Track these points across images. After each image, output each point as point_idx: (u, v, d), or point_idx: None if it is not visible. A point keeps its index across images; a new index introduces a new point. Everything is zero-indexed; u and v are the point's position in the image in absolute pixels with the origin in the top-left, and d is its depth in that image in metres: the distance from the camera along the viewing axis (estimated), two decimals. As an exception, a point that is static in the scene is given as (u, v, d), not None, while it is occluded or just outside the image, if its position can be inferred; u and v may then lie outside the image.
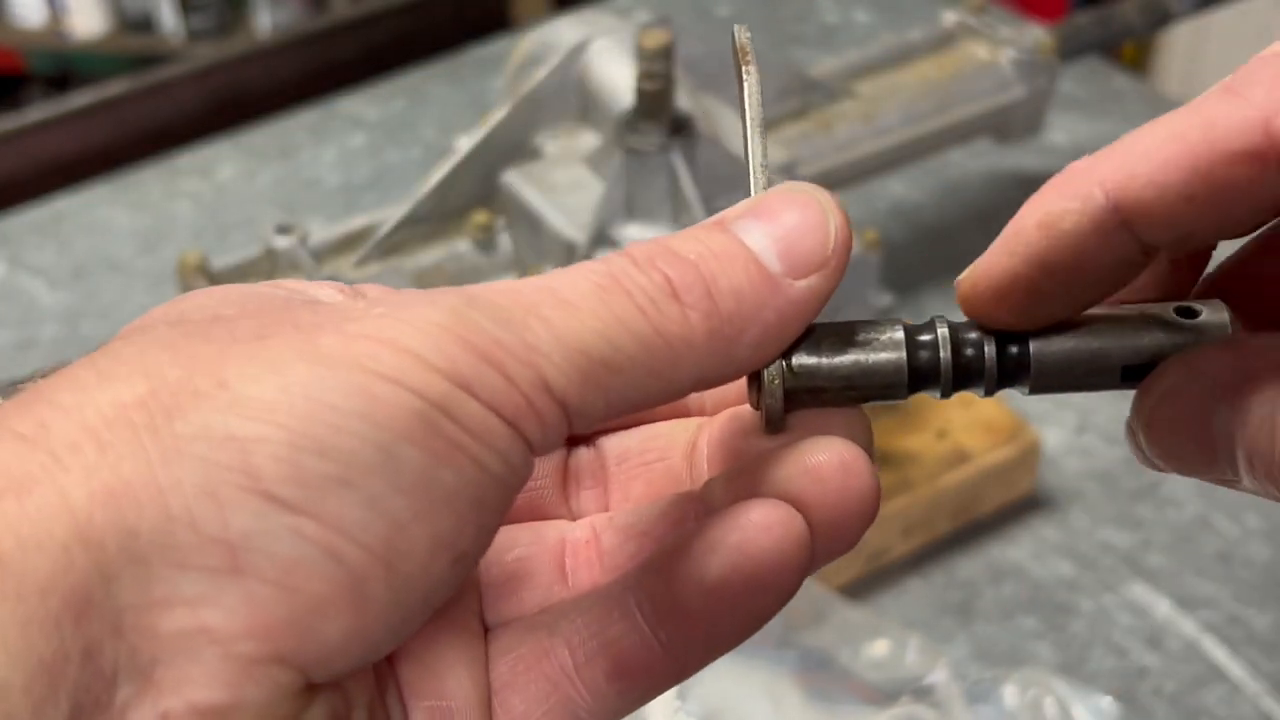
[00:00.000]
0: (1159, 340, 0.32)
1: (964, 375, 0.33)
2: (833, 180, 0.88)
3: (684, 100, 0.78)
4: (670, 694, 0.66)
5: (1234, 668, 0.77)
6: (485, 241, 0.81)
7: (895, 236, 1.05)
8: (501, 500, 0.28)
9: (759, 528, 0.30)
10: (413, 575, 0.27)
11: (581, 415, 0.28)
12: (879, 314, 0.85)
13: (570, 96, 0.84)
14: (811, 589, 0.72)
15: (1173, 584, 0.81)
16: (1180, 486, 0.87)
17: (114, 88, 1.21)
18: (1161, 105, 1.00)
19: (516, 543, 0.34)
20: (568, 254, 0.78)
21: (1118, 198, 0.29)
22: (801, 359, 0.31)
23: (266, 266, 0.80)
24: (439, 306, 0.28)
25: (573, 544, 0.34)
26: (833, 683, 0.69)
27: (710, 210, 0.73)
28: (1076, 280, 0.31)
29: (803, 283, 0.30)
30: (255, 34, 2.31)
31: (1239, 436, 0.30)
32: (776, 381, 0.31)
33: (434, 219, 0.82)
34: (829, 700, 0.68)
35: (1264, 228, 0.32)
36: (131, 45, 2.35)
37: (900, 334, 0.32)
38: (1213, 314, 0.32)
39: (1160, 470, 0.34)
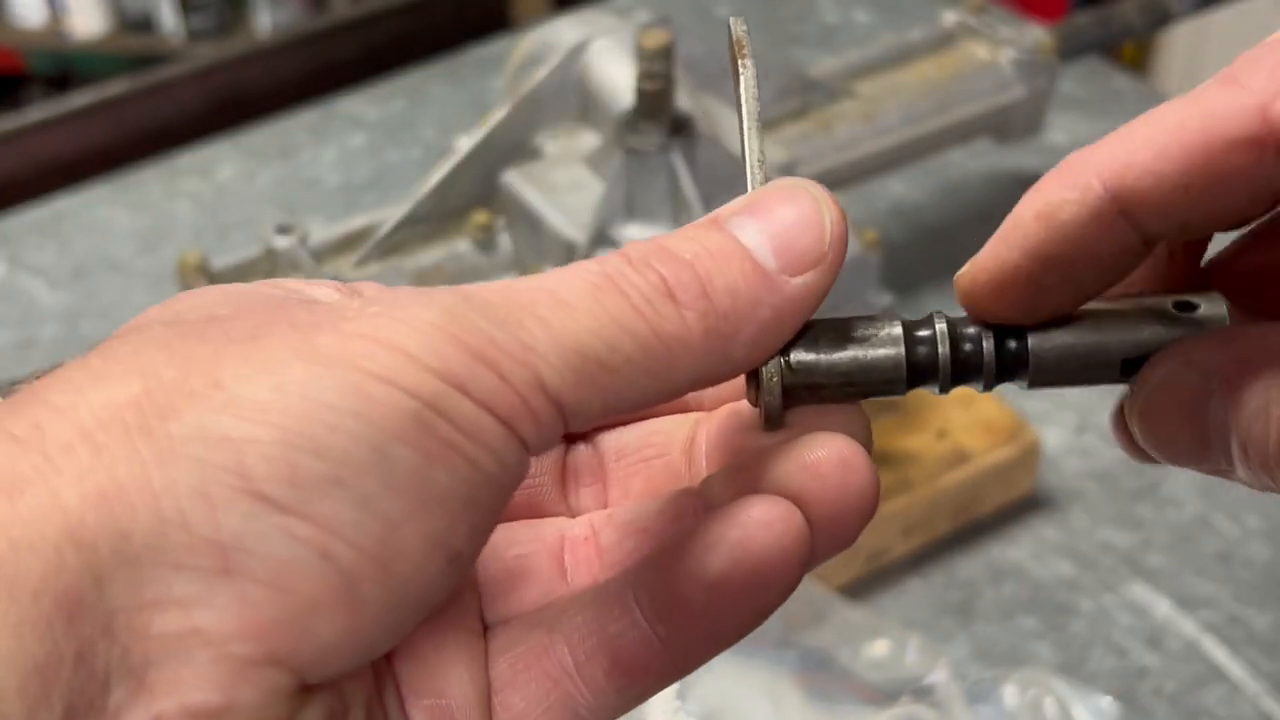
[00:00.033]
0: (1158, 334, 0.32)
1: (962, 370, 0.32)
2: (833, 180, 0.88)
3: (684, 100, 0.78)
4: (670, 694, 0.66)
5: (1234, 668, 0.77)
6: (485, 241, 0.81)
7: (895, 236, 1.05)
8: (496, 499, 0.28)
9: (759, 524, 0.30)
10: (407, 575, 0.27)
11: (577, 415, 0.28)
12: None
13: (570, 96, 0.84)
14: (811, 589, 0.72)
15: (1173, 584, 0.81)
16: (1180, 486, 0.87)
17: (114, 88, 1.21)
18: (1161, 105, 0.99)
19: (515, 541, 0.34)
20: (568, 254, 0.78)
21: (1115, 187, 0.29)
22: (800, 356, 0.31)
23: (266, 266, 0.80)
24: (434, 305, 0.28)
25: (572, 541, 0.34)
26: (833, 683, 0.69)
27: (710, 210, 0.73)
28: (1076, 272, 0.31)
29: (798, 279, 0.30)
30: (255, 34, 2.31)
31: (1234, 426, 0.30)
32: (775, 379, 0.31)
33: (434, 219, 0.82)
34: (829, 700, 0.68)
35: (1262, 219, 0.32)
36: (131, 45, 2.35)
37: (898, 329, 0.32)
38: (1211, 307, 0.32)
39: (1150, 461, 0.34)
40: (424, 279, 0.80)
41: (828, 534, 0.30)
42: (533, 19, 1.40)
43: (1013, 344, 0.32)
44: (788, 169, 0.82)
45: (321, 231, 0.82)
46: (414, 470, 0.27)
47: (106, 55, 2.36)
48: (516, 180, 0.80)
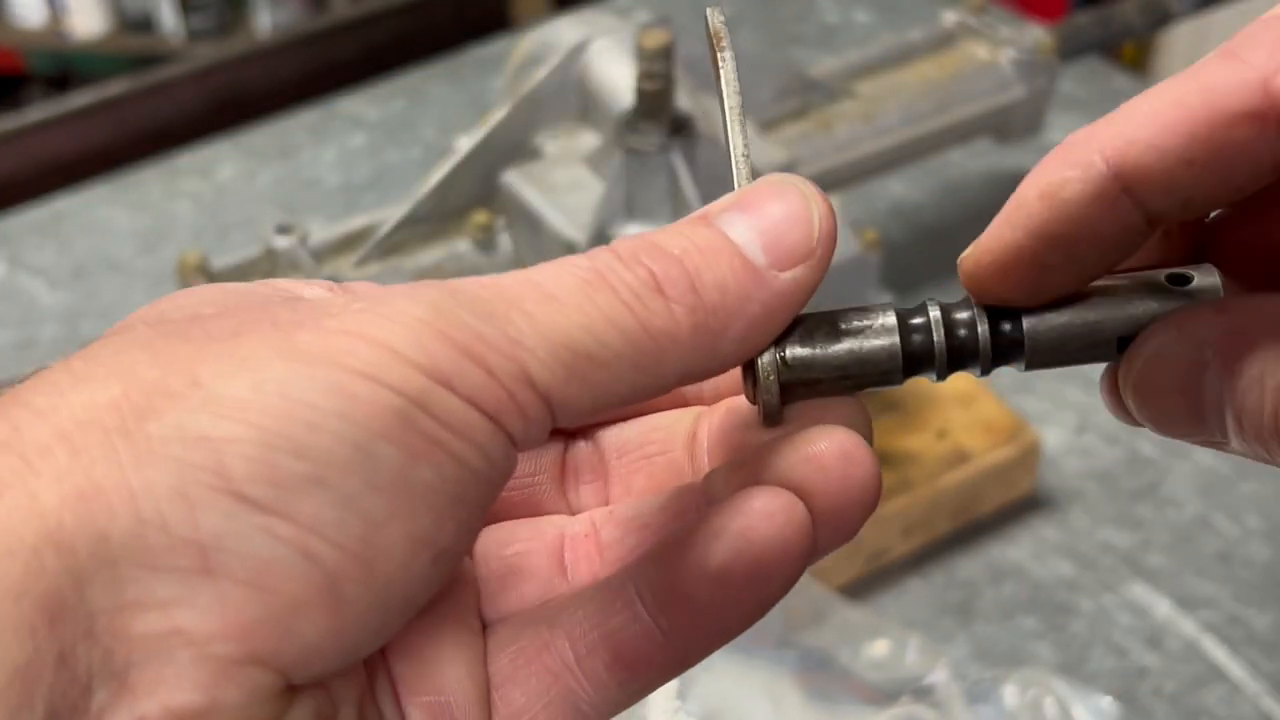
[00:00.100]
0: (1152, 309, 0.32)
1: (958, 356, 0.32)
2: (833, 180, 0.88)
3: (684, 100, 0.78)
4: (670, 694, 0.66)
5: (1234, 668, 0.77)
6: (485, 241, 0.81)
7: (895, 236, 1.05)
8: (483, 496, 0.28)
9: (761, 515, 0.30)
10: (391, 574, 0.27)
11: (566, 409, 0.28)
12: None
13: (570, 96, 0.84)
14: (811, 589, 0.72)
15: (1173, 584, 0.81)
16: (1180, 486, 0.87)
17: (114, 88, 1.21)
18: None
19: (515, 538, 0.34)
20: (568, 254, 0.78)
21: (1118, 164, 0.29)
22: (795, 351, 0.31)
23: (266, 266, 0.80)
24: (419, 300, 0.28)
25: (571, 538, 0.34)
26: (833, 683, 0.69)
27: (710, 210, 0.73)
28: (1080, 251, 0.31)
29: (788, 274, 0.30)
30: (255, 34, 2.31)
31: (1228, 397, 0.30)
32: (771, 376, 0.31)
33: (434, 219, 0.82)
34: (829, 700, 0.68)
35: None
36: (131, 45, 2.35)
37: (892, 319, 0.32)
38: (1205, 279, 0.32)
39: (1136, 425, 0.33)
40: (424, 279, 0.79)
41: (830, 526, 0.30)
42: (533, 19, 1.40)
43: (1007, 327, 0.32)
44: (788, 169, 0.82)
45: (321, 231, 0.82)
46: (398, 468, 0.26)
47: (106, 55, 2.36)
48: (516, 180, 0.80)
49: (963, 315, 0.32)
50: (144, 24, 2.35)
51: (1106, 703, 0.69)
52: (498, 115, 0.83)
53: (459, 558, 0.29)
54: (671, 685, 0.67)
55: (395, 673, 0.31)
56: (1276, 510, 0.85)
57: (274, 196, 1.11)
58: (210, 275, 0.79)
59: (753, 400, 0.32)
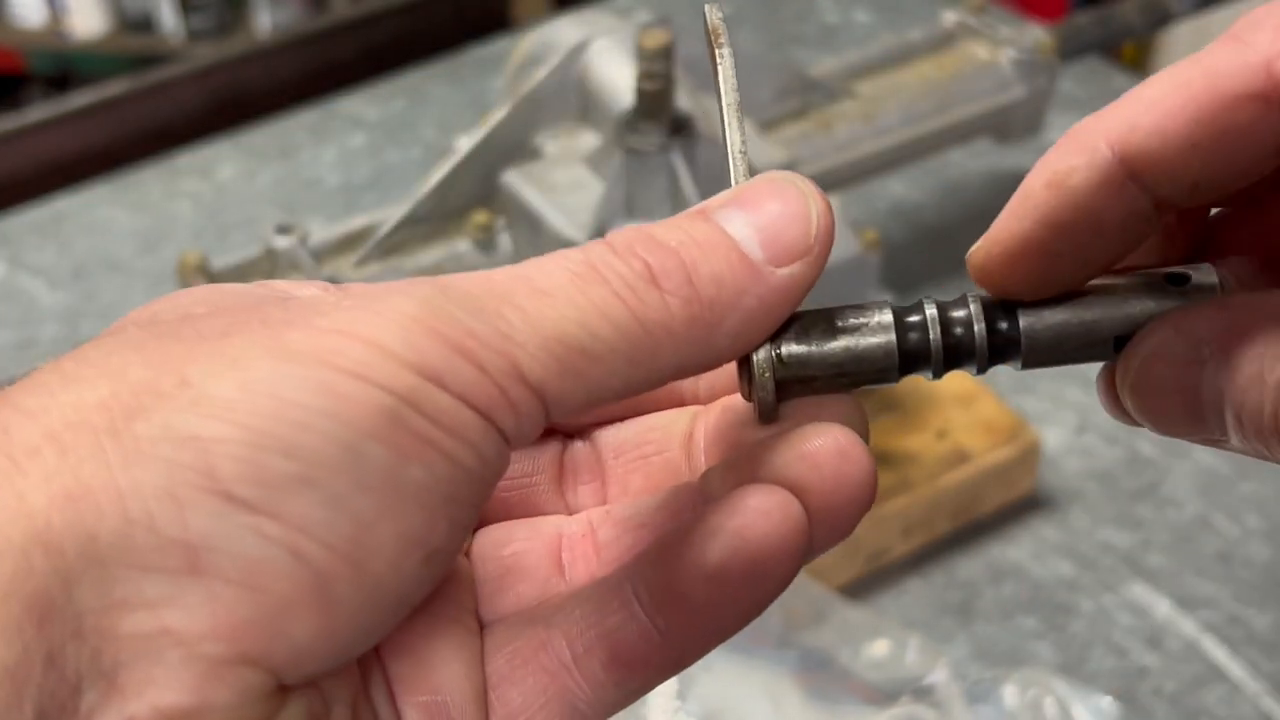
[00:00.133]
0: (1150, 309, 0.31)
1: (954, 355, 0.32)
2: (833, 180, 0.88)
3: (684, 100, 0.78)
4: (670, 694, 0.66)
5: (1234, 668, 0.77)
6: (485, 241, 0.81)
7: (895, 236, 1.05)
8: (476, 494, 0.28)
9: (757, 513, 0.30)
10: (382, 574, 0.27)
11: (559, 405, 0.28)
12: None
13: (570, 96, 0.84)
14: (811, 589, 0.72)
15: (1173, 584, 0.81)
16: (1180, 486, 0.87)
17: (114, 88, 1.21)
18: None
19: (512, 538, 0.34)
20: (568, 254, 0.78)
21: (1122, 150, 0.29)
22: (791, 348, 0.31)
23: (266, 266, 0.80)
24: (410, 297, 0.27)
25: (569, 538, 0.34)
26: (833, 683, 0.69)
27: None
28: (1088, 239, 0.30)
29: (784, 271, 0.30)
30: (255, 34, 2.31)
31: (1227, 394, 0.30)
32: (767, 373, 0.31)
33: (434, 219, 0.82)
34: (829, 700, 0.68)
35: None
36: (131, 45, 2.35)
37: (889, 317, 0.32)
38: (1203, 278, 0.32)
39: (1133, 424, 0.33)
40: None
41: (826, 524, 0.30)
42: (533, 19, 1.40)
43: (1004, 325, 0.32)
44: (788, 169, 0.82)
45: (321, 231, 0.82)
46: (387, 468, 0.26)
47: (106, 55, 2.36)
48: (516, 180, 0.80)
49: (959, 313, 0.32)
50: (144, 24, 2.35)
51: (1106, 703, 0.69)
52: (498, 115, 0.83)
53: (452, 557, 0.29)
54: (671, 685, 0.67)
55: (391, 672, 0.31)
56: (1276, 510, 0.85)
57: (274, 196, 1.11)
58: (210, 275, 0.79)
59: (748, 398, 0.32)
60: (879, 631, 0.70)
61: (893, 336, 0.32)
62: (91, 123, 1.20)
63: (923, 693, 0.68)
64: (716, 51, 0.33)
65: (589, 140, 0.83)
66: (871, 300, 0.33)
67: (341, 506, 0.26)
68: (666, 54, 0.74)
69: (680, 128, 0.77)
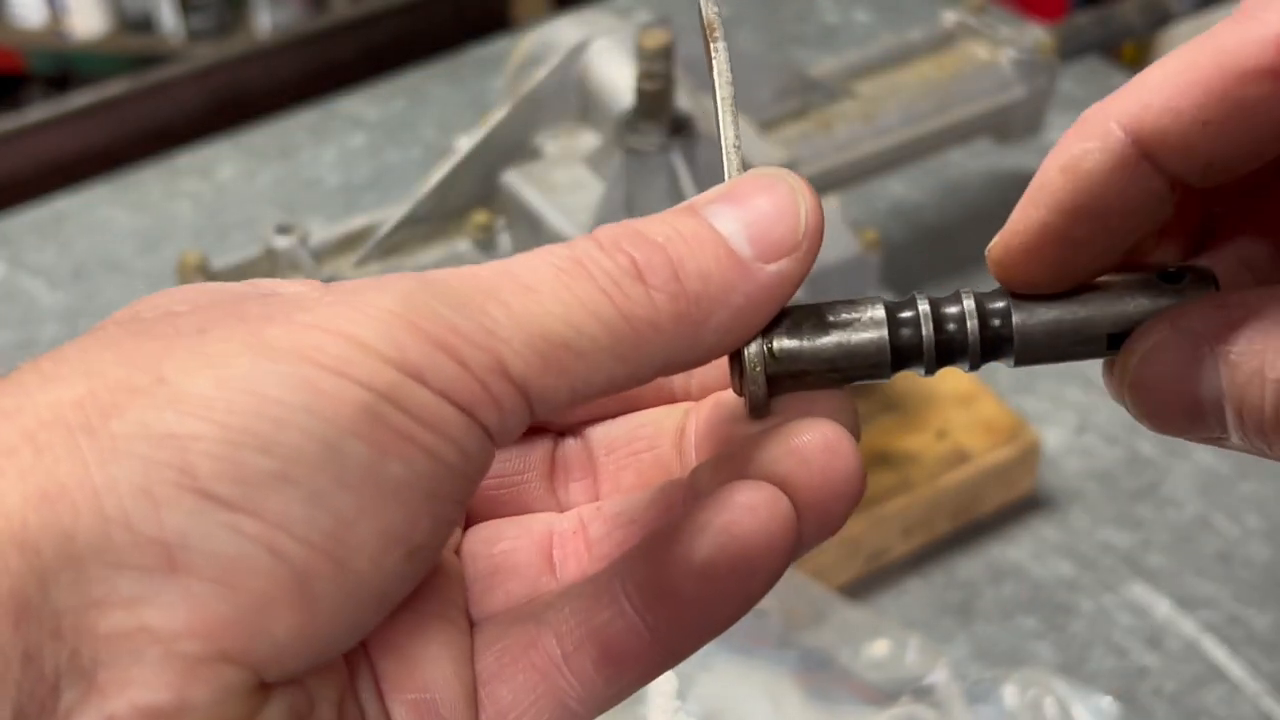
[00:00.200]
0: (1144, 306, 0.31)
1: (947, 351, 0.32)
2: (833, 180, 0.88)
3: (684, 100, 0.78)
4: (670, 694, 0.66)
5: (1234, 668, 0.77)
6: (485, 241, 0.81)
7: (895, 236, 1.05)
8: (459, 490, 0.28)
9: (745, 509, 0.30)
10: (363, 571, 0.27)
11: (544, 401, 0.28)
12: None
13: (570, 96, 0.84)
14: (811, 589, 0.72)
15: (1173, 584, 0.81)
16: (1180, 486, 0.87)
17: (114, 88, 1.21)
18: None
19: (502, 536, 0.34)
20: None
21: (1135, 130, 0.29)
22: (782, 343, 0.31)
23: (266, 266, 0.80)
24: (391, 292, 0.27)
25: (560, 535, 0.34)
26: (833, 683, 0.69)
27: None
28: (1106, 222, 0.30)
29: (773, 267, 0.30)
30: (255, 34, 2.31)
31: (1227, 392, 0.29)
32: (758, 367, 0.31)
33: (434, 219, 0.82)
34: (829, 700, 0.68)
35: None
36: (131, 45, 2.35)
37: (881, 312, 0.32)
38: (1198, 277, 0.32)
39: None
40: (423, 279, 0.80)
41: (814, 519, 0.30)
42: (533, 19, 1.40)
43: (997, 322, 0.32)
44: (788, 168, 0.82)
45: (321, 231, 0.82)
46: (367, 464, 0.26)
47: (106, 55, 2.36)
48: (516, 180, 0.80)
49: (952, 309, 0.32)
50: (144, 24, 2.35)
51: (1106, 703, 0.69)
52: (498, 115, 0.83)
53: (436, 553, 0.29)
54: (671, 685, 0.67)
55: (379, 670, 0.30)
56: (1276, 510, 0.85)
57: (274, 196, 1.11)
58: (210, 275, 0.79)
59: (739, 392, 0.32)
60: (879, 631, 0.70)
61: (885, 332, 0.32)
62: (91, 123, 1.20)
63: (923, 693, 0.68)
64: (711, 45, 0.33)
65: (589, 140, 0.83)
66: (865, 296, 0.33)
67: (321, 503, 0.26)
68: (666, 54, 0.74)
69: (680, 128, 0.77)
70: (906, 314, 0.32)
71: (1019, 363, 0.32)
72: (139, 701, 0.25)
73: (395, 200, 0.87)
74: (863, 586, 0.81)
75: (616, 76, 0.81)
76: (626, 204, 0.78)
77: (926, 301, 0.32)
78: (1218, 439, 0.31)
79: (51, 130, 1.18)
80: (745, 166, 0.32)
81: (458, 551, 0.34)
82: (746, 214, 0.30)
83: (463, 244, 0.82)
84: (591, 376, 0.28)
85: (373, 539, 0.27)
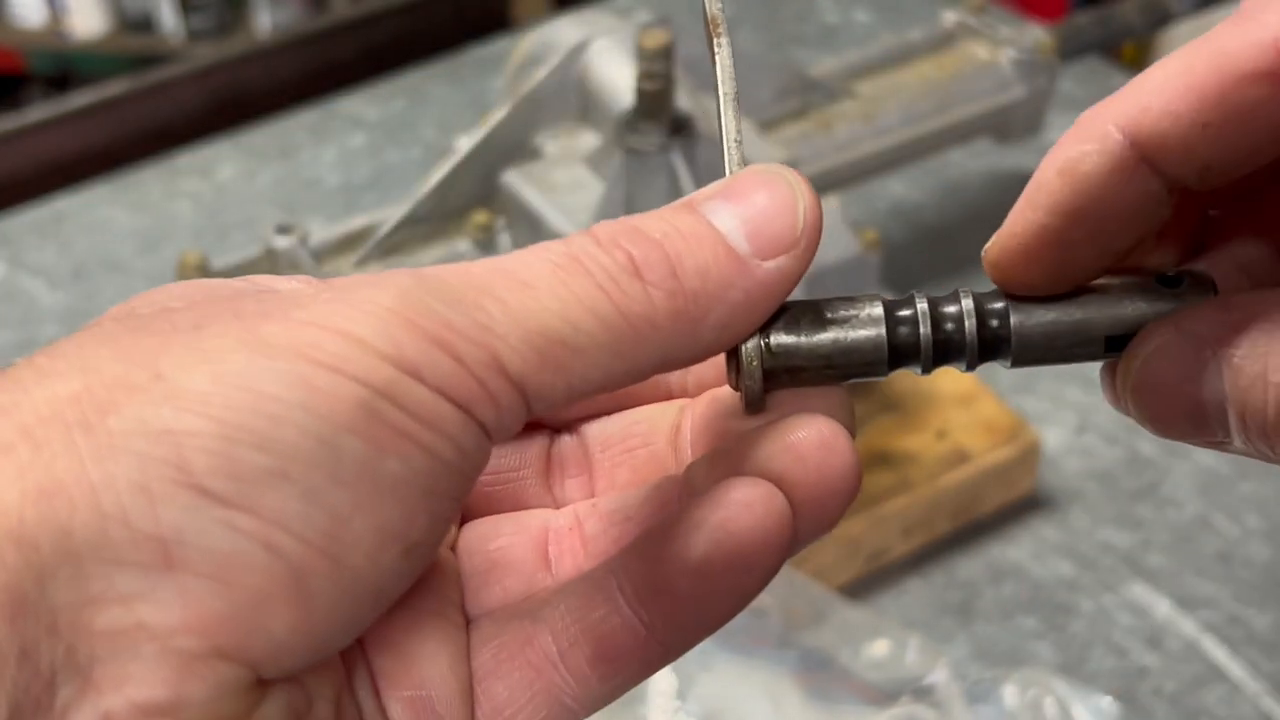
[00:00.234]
0: (1142, 310, 0.31)
1: (944, 350, 0.32)
2: (833, 180, 0.88)
3: (684, 100, 0.78)
4: (670, 694, 0.66)
5: (1234, 668, 0.77)
6: (485, 241, 0.81)
7: (895, 236, 1.05)
8: (456, 487, 0.28)
9: (740, 506, 0.30)
10: (360, 568, 0.27)
11: (541, 398, 0.28)
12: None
13: (570, 96, 0.84)
14: (811, 589, 0.72)
15: (1173, 584, 0.81)
16: (1180, 486, 0.87)
17: (114, 88, 1.21)
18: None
19: (498, 532, 0.34)
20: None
21: (1133, 133, 0.29)
22: (779, 338, 0.31)
23: (266, 266, 0.80)
24: (388, 288, 0.27)
25: (556, 532, 0.34)
26: (833, 683, 0.69)
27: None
28: (1104, 225, 0.30)
29: (771, 264, 0.30)
30: (255, 34, 2.31)
31: (1230, 395, 0.29)
32: (755, 362, 0.31)
33: (434, 219, 0.82)
34: (829, 700, 0.68)
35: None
36: (131, 45, 2.35)
37: (879, 310, 0.32)
38: (1196, 281, 0.32)
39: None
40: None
41: (810, 516, 0.30)
42: (533, 19, 1.40)
43: (995, 323, 0.32)
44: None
45: (321, 231, 0.82)
46: (363, 461, 0.26)
47: (106, 55, 2.36)
48: (516, 180, 0.80)
49: (950, 309, 0.32)
50: (144, 24, 2.35)
51: (1106, 703, 0.69)
52: (498, 115, 0.83)
53: (433, 550, 0.29)
54: (672, 685, 0.67)
55: (376, 667, 0.30)
56: (1276, 510, 0.85)
57: (274, 196, 1.11)
58: (210, 275, 0.79)
59: (735, 387, 0.32)
60: (879, 631, 0.70)
61: (883, 330, 0.32)
62: (91, 123, 1.20)
63: (923, 693, 0.68)
64: (714, 41, 0.33)
65: (589, 140, 0.83)
66: (863, 293, 0.33)
67: (317, 500, 0.26)
68: (666, 54, 0.74)
69: (680, 128, 0.77)
70: (904, 312, 0.32)
71: (1016, 364, 0.32)
72: (135, 698, 0.25)
73: (395, 200, 0.87)
74: (863, 586, 0.81)
75: (616, 76, 0.81)
76: (626, 204, 0.77)
77: (925, 300, 0.32)
78: (1221, 443, 0.31)
79: (51, 130, 1.18)
80: (745, 163, 0.32)
81: (453, 548, 0.34)
82: (744, 210, 0.30)
83: (463, 244, 0.82)
84: (588, 373, 0.28)
85: (369, 536, 0.27)
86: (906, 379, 0.86)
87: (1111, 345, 0.32)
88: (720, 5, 0.33)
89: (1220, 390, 0.30)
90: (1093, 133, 0.30)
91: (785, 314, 0.31)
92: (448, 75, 1.24)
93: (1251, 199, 0.33)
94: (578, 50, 0.83)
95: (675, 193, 0.77)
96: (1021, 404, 0.91)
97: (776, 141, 0.85)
